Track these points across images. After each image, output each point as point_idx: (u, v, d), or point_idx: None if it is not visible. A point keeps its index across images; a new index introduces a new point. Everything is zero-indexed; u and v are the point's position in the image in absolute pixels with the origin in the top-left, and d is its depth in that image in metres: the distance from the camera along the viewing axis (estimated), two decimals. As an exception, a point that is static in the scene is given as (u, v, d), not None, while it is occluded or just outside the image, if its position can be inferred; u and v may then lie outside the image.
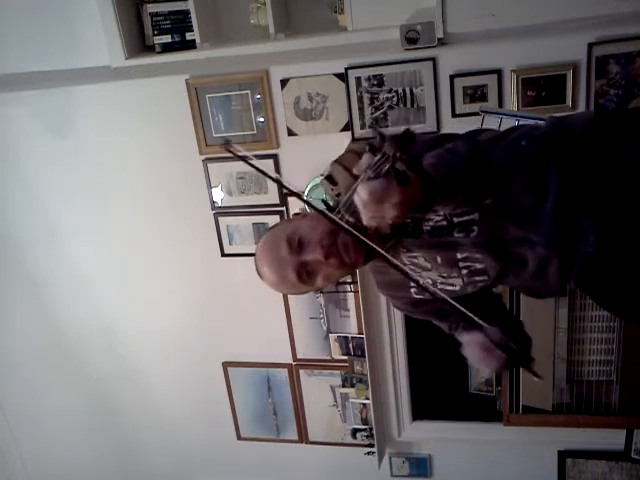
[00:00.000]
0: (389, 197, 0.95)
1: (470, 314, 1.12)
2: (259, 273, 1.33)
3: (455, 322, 1.47)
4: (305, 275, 1.27)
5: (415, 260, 1.34)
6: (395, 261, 1.16)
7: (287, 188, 1.20)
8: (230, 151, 1.11)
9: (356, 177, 1.00)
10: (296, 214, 1.41)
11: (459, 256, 1.28)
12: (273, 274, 1.29)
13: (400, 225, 1.24)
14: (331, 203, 1.26)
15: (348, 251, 1.25)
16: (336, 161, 1.24)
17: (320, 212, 1.12)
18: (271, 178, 1.17)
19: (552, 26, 2.41)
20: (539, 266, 1.25)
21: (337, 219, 1.11)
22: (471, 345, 1.22)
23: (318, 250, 1.24)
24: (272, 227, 1.39)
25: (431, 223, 1.26)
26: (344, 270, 1.30)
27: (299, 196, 1.19)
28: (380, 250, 1.12)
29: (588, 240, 1.19)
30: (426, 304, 1.43)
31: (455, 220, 1.24)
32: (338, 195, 1.25)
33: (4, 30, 2.92)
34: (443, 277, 1.35)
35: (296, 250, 1.26)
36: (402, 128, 0.94)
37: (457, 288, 1.35)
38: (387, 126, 2.62)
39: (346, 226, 1.09)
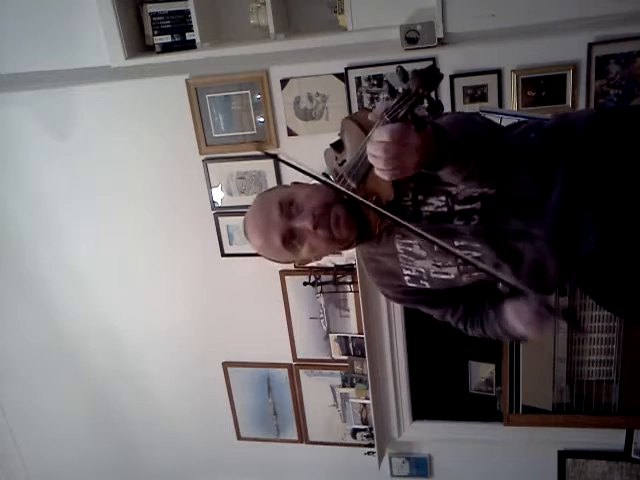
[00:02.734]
0: (409, 139, 0.92)
1: (510, 280, 1.11)
2: (246, 234, 1.32)
3: (451, 308, 1.45)
4: (290, 242, 1.25)
5: (409, 249, 1.32)
6: (396, 217, 1.12)
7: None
8: (266, 153, 1.10)
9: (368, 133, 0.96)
10: (294, 183, 1.38)
11: (456, 244, 1.27)
12: (259, 237, 1.28)
13: (400, 206, 1.23)
14: (332, 177, 1.24)
15: (339, 225, 1.23)
16: (348, 117, 1.21)
17: (322, 181, 1.09)
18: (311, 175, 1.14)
19: (552, 26, 2.41)
20: (536, 262, 1.24)
21: (339, 186, 1.09)
22: (521, 311, 1.22)
23: (309, 218, 1.22)
24: (267, 190, 1.37)
25: (431, 208, 1.25)
26: (331, 245, 1.27)
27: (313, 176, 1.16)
28: (382, 210, 1.08)
29: (589, 238, 1.19)
30: (418, 294, 1.42)
31: (456, 208, 1.23)
32: (342, 164, 1.23)
33: (4, 30, 2.92)
34: (437, 266, 1.33)
35: (287, 214, 1.24)
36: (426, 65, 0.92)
37: (452, 276, 1.34)
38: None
39: (348, 191, 1.07)
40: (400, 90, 0.92)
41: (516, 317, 1.27)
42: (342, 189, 1.09)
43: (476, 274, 1.33)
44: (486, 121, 1.19)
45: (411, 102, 0.91)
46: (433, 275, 1.34)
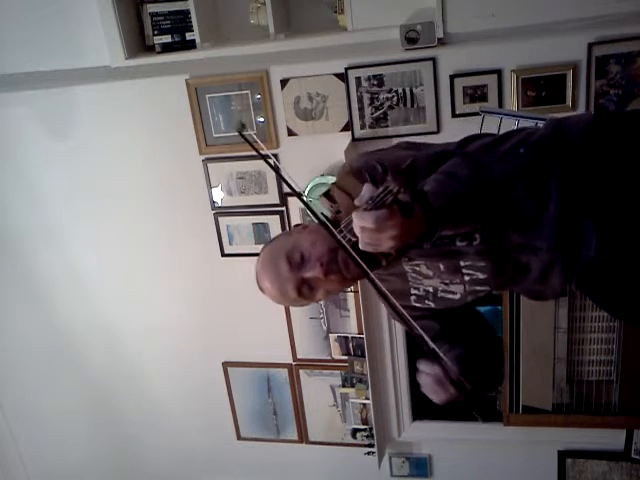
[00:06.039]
0: (389, 229, 0.95)
1: (434, 346, 1.12)
2: (260, 287, 1.34)
3: (440, 345, 1.46)
4: (305, 291, 1.28)
5: (417, 268, 1.34)
6: (384, 289, 1.13)
7: (295, 191, 1.18)
8: (243, 137, 1.10)
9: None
10: (297, 225, 1.41)
11: (462, 263, 1.28)
12: (274, 290, 1.30)
13: None
14: (330, 216, 1.25)
15: (348, 267, 1.25)
16: (334, 184, 1.24)
17: (323, 225, 1.11)
18: (287, 182, 1.15)
19: (552, 26, 2.41)
20: (542, 272, 1.25)
21: (338, 235, 1.10)
22: (427, 375, 1.22)
23: (317, 268, 1.24)
24: (272, 240, 1.39)
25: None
26: (345, 284, 1.31)
27: (306, 204, 1.17)
28: (371, 274, 1.10)
29: (590, 244, 1.19)
30: (422, 320, 1.42)
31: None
32: (338, 212, 1.24)
33: (4, 30, 2.92)
34: (445, 284, 1.34)
35: (296, 266, 1.26)
36: (404, 164, 0.93)
37: (457, 297, 1.35)
38: (387, 126, 2.62)
39: (345, 243, 1.08)
40: (382, 185, 0.95)
41: (422, 377, 1.26)
42: (340, 238, 1.10)
43: (481, 294, 1.34)
44: (467, 161, 1.18)
45: (394, 195, 0.93)
46: (440, 294, 1.36)
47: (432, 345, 1.13)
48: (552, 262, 1.23)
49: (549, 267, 1.24)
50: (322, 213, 1.21)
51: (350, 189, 1.14)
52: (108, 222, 3.12)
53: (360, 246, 1.01)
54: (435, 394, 1.21)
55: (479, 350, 1.39)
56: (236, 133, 2.78)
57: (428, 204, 1.01)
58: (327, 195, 1.26)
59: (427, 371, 1.21)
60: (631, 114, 1.90)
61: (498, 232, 1.22)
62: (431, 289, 1.36)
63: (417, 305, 1.40)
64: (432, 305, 1.38)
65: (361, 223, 0.95)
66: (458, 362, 1.22)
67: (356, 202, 0.99)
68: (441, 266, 1.30)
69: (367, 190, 0.96)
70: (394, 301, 1.14)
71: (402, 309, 1.18)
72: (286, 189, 2.84)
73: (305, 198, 1.12)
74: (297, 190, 1.15)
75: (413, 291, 1.38)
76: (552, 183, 1.19)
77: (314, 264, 1.24)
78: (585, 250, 1.20)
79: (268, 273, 1.30)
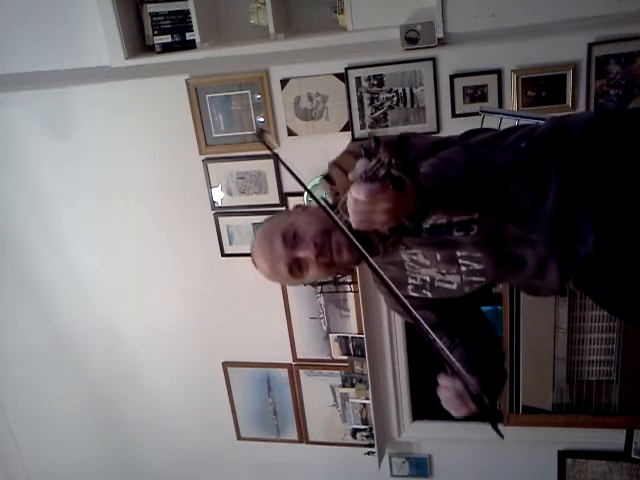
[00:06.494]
0: (382, 202, 0.96)
1: (454, 360, 1.14)
2: (254, 262, 1.38)
3: (439, 335, 1.46)
4: (296, 269, 1.31)
5: (414, 257, 1.34)
6: (381, 272, 1.15)
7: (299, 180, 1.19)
8: (264, 143, 1.12)
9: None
10: (296, 206, 1.45)
11: (459, 254, 1.29)
12: (266, 266, 1.34)
13: (400, 224, 1.24)
14: (330, 201, 1.27)
15: (340, 252, 1.27)
16: (333, 163, 1.26)
17: (321, 206, 1.12)
18: (295, 175, 1.17)
19: (552, 26, 2.41)
20: (538, 266, 1.25)
21: (335, 217, 1.11)
22: (447, 389, 1.25)
23: (310, 247, 1.26)
24: (271, 218, 1.42)
25: (430, 221, 1.26)
26: (334, 270, 1.33)
27: (305, 188, 1.19)
28: (369, 258, 1.11)
29: (587, 240, 1.19)
30: (419, 310, 1.43)
31: (454, 219, 1.24)
32: (337, 194, 1.26)
33: (4, 30, 2.92)
34: (442, 274, 1.35)
35: (290, 245, 1.29)
36: (396, 134, 0.94)
37: (454, 287, 1.35)
38: (387, 126, 2.62)
39: (342, 225, 1.09)
40: (375, 158, 0.95)
41: (443, 391, 1.29)
42: (337, 220, 1.11)
43: (477, 285, 1.34)
44: (465, 149, 1.19)
45: (386, 168, 0.93)
46: (437, 284, 1.37)
47: (452, 358, 1.15)
48: (548, 256, 1.23)
49: (545, 261, 1.24)
50: (323, 198, 1.22)
51: (348, 167, 1.15)
52: (108, 222, 3.12)
53: (352, 224, 1.02)
54: (455, 408, 1.24)
55: (479, 343, 1.40)
56: (236, 133, 2.78)
57: (419, 183, 1.01)
58: (327, 178, 1.27)
59: (447, 385, 1.23)
60: (631, 112, 1.90)
61: (496, 224, 1.22)
62: (428, 278, 1.37)
63: (414, 295, 1.41)
64: (429, 295, 1.40)
65: (354, 195, 0.96)
66: (465, 363, 1.23)
67: (350, 177, 0.99)
68: (438, 255, 1.31)
69: (361, 164, 0.97)
70: (390, 283, 1.14)
71: (397, 290, 1.18)
72: (286, 189, 2.84)
73: (306, 185, 1.13)
74: (298, 177, 1.16)
75: (410, 280, 1.39)
76: (551, 177, 1.19)
77: (307, 244, 1.27)
78: (583, 247, 1.20)
79: (263, 250, 1.34)
